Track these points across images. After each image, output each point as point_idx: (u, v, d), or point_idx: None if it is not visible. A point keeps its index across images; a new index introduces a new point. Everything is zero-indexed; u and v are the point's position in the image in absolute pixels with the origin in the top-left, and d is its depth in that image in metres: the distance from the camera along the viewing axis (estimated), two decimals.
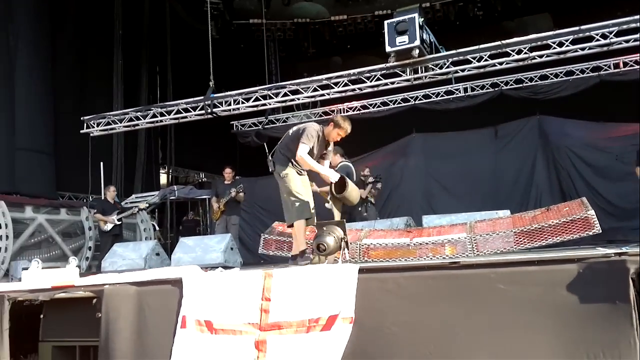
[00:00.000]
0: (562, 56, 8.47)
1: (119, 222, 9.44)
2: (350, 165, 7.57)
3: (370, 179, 8.55)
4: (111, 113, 10.97)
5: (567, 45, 8.16)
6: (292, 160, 5.14)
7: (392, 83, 9.28)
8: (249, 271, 4.37)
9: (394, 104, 12.11)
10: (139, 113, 10.76)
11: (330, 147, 5.39)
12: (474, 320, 3.28)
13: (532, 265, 3.28)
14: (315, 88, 9.62)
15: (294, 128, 5.31)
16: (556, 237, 4.96)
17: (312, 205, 5.18)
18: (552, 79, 10.93)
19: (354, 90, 9.52)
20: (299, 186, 5.13)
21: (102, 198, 9.94)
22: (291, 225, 5.23)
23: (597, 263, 3.10)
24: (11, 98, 10.04)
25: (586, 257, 3.16)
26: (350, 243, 5.15)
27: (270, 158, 5.31)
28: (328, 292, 3.58)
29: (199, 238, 8.82)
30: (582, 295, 3.05)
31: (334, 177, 5.17)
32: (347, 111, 12.44)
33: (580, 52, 8.37)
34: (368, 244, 5.61)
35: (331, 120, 5.25)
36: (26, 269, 5.99)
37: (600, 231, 4.87)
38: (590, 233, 4.89)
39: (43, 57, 10.89)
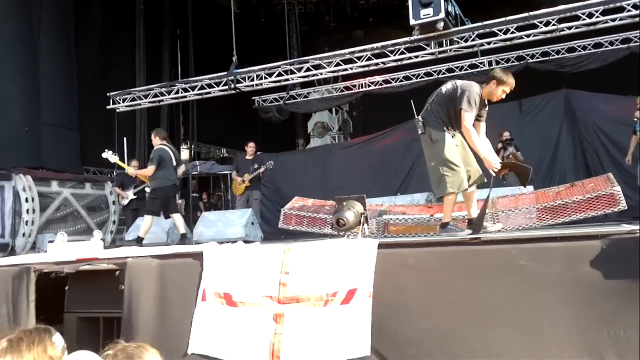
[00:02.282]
0: (591, 27, 8.22)
1: (134, 197, 9.50)
2: (167, 149, 7.25)
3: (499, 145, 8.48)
4: (136, 89, 11.06)
5: (597, 17, 7.92)
6: (447, 125, 4.59)
7: (416, 57, 9.13)
8: (268, 245, 4.40)
9: (416, 78, 11.95)
10: (163, 89, 10.83)
11: (486, 109, 4.75)
12: (495, 296, 3.25)
13: (554, 242, 3.22)
14: (338, 63, 9.53)
15: (448, 86, 4.69)
16: (580, 213, 4.88)
17: (467, 174, 4.57)
18: (579, 51, 10.64)
19: (377, 64, 9.40)
20: (454, 154, 4.53)
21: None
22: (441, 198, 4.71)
23: (621, 239, 3.03)
24: (35, 74, 10.14)
25: (610, 233, 3.09)
26: (370, 218, 5.14)
27: (419, 118, 4.71)
28: (347, 266, 3.58)
29: (221, 212, 8.93)
30: (605, 272, 2.99)
31: (495, 163, 4.51)
32: (369, 86, 12.32)
33: (611, 24, 8.11)
34: (388, 219, 5.59)
35: (491, 77, 4.60)
36: (52, 241, 6.13)
37: (626, 207, 4.77)
38: (616, 210, 4.80)
39: (66, 32, 10.95)
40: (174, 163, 7.28)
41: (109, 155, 7.45)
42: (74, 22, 11.16)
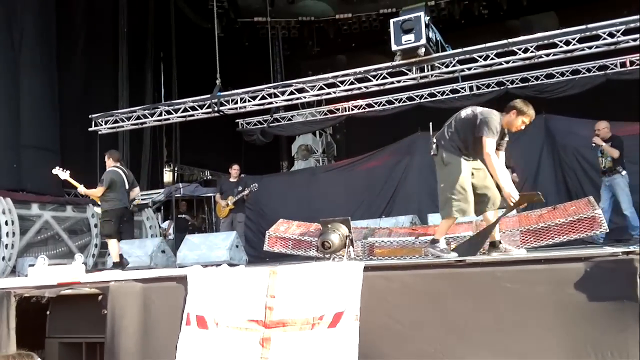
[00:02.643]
0: (568, 55, 8.44)
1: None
2: (119, 171, 7.26)
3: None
4: (119, 111, 11.01)
5: (574, 44, 8.14)
6: (462, 150, 4.57)
7: (398, 82, 9.27)
8: (254, 268, 4.37)
9: (399, 102, 12.10)
10: (146, 111, 10.80)
11: (507, 139, 4.70)
12: (480, 319, 3.27)
13: (539, 264, 3.26)
14: (321, 86, 9.62)
15: (467, 111, 4.68)
16: (563, 235, 4.95)
17: (487, 197, 4.57)
18: (558, 77, 10.89)
19: (359, 88, 9.52)
20: (465, 179, 4.49)
21: None
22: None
23: (604, 262, 3.08)
24: (16, 94, 10.03)
25: (593, 255, 3.14)
26: (355, 241, 5.15)
27: (433, 139, 4.74)
28: (333, 289, 3.57)
29: (205, 235, 8.87)
30: (589, 294, 3.03)
31: (514, 195, 4.44)
32: (352, 109, 12.43)
33: (587, 51, 8.34)
34: (373, 241, 5.61)
35: (511, 107, 4.58)
36: (32, 265, 6.03)
37: (608, 230, 4.85)
38: (598, 232, 4.88)
39: (48, 53, 10.88)
40: (126, 186, 7.23)
41: (59, 172, 7.37)
42: (56, 43, 11.11)
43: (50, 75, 10.89)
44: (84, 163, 10.73)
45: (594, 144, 7.71)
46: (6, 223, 8.43)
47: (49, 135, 10.62)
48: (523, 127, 4.59)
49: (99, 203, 7.33)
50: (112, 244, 7.15)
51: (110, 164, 7.33)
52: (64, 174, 7.37)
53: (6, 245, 8.32)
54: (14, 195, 8.98)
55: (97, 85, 12.13)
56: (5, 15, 10.06)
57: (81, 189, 7.34)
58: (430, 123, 9.41)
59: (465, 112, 4.68)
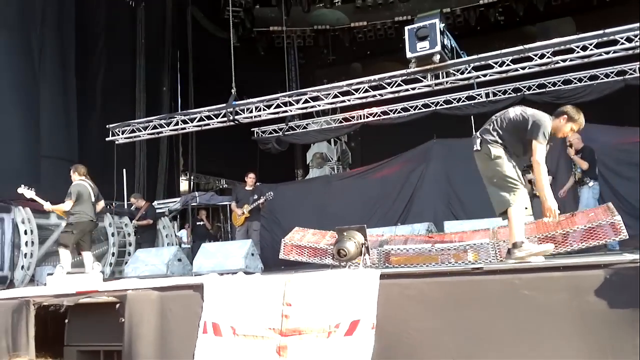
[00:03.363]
0: (586, 60, 8.37)
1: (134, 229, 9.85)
2: (86, 184, 7.23)
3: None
4: (136, 121, 11.14)
5: (591, 49, 8.07)
6: (507, 146, 4.41)
7: (413, 89, 9.27)
8: (269, 276, 4.38)
9: (414, 109, 12.08)
10: (162, 121, 10.91)
11: (551, 143, 4.50)
12: (498, 327, 3.23)
13: (558, 271, 3.22)
14: (335, 94, 9.64)
15: (517, 111, 4.50)
16: (582, 242, 4.87)
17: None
18: (575, 83, 10.80)
19: (374, 96, 9.52)
20: (514, 172, 4.35)
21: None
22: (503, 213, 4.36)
23: (624, 269, 3.03)
24: (35, 105, 10.20)
25: (613, 262, 3.09)
26: (371, 249, 5.13)
27: (477, 134, 4.58)
28: (349, 297, 3.56)
29: (220, 244, 8.90)
30: (609, 301, 2.99)
31: (555, 208, 4.31)
32: (367, 117, 12.43)
33: (605, 56, 8.26)
34: (389, 249, 5.57)
35: (562, 112, 4.45)
36: (51, 274, 6.10)
37: (627, 237, 4.77)
38: (617, 239, 4.80)
39: (67, 64, 11.06)
40: (93, 199, 7.25)
41: (24, 190, 7.34)
42: (75, 54, 11.29)
43: (69, 86, 11.06)
44: (102, 173, 10.86)
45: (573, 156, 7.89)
46: (25, 232, 8.53)
47: (67, 146, 10.77)
48: (570, 134, 4.53)
49: (65, 217, 7.32)
50: (66, 254, 7.09)
51: (77, 177, 7.34)
52: (29, 192, 7.35)
53: (25, 254, 8.41)
54: (33, 205, 9.06)
55: (115, 96, 12.30)
56: (26, 27, 10.24)
57: (47, 206, 7.30)
58: (446, 130, 9.38)
59: (514, 113, 4.50)
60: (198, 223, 12.37)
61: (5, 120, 9.58)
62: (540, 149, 4.27)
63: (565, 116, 4.44)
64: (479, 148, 4.48)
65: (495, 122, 4.54)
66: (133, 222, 10.05)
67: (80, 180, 7.32)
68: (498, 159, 4.37)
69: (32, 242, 8.61)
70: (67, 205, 7.10)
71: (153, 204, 11.25)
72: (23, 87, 10.05)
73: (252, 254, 7.77)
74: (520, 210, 4.31)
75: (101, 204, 7.59)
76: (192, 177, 14.44)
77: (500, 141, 4.42)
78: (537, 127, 4.28)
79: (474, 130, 10.83)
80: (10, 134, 9.60)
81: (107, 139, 10.90)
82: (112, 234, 10.12)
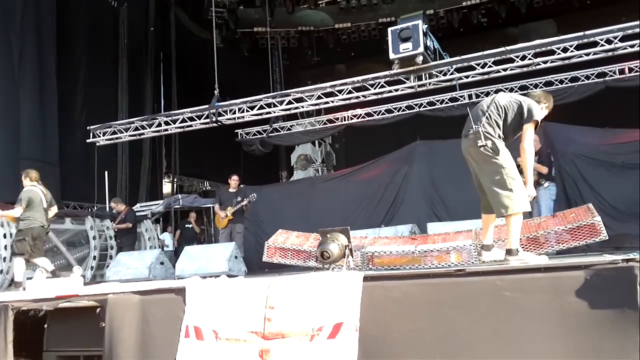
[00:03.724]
0: (566, 62, 8.45)
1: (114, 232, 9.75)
2: (37, 190, 7.15)
3: None
4: (117, 122, 11.02)
5: (572, 51, 8.15)
6: (506, 138, 4.25)
7: (396, 90, 9.29)
8: (252, 279, 4.35)
9: (398, 111, 12.10)
10: (144, 122, 10.80)
11: None
12: (480, 328, 3.24)
13: (539, 272, 3.24)
14: (319, 96, 9.63)
15: (505, 97, 4.35)
16: (562, 243, 4.92)
17: None
18: (557, 85, 10.90)
19: (358, 97, 9.53)
20: (517, 171, 4.18)
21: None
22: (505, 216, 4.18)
23: (604, 270, 3.06)
24: (16, 107, 10.06)
25: (593, 263, 3.12)
26: (355, 251, 5.13)
27: (475, 126, 4.22)
28: (332, 300, 3.55)
29: (203, 247, 8.84)
30: (589, 302, 3.02)
31: (533, 193, 4.25)
32: (351, 118, 12.44)
33: (585, 58, 8.35)
34: (372, 251, 5.58)
35: (539, 99, 4.36)
36: (30, 278, 6.00)
37: (607, 238, 4.83)
38: (597, 239, 4.86)
39: (48, 66, 10.92)
40: (44, 205, 7.15)
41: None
42: (56, 55, 11.15)
43: (50, 87, 10.92)
44: (83, 174, 10.75)
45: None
46: (4, 236, 8.38)
47: (48, 148, 10.64)
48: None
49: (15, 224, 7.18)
50: (21, 263, 6.95)
51: (28, 183, 7.21)
52: None
53: (4, 258, 8.27)
54: (13, 208, 8.94)
55: (97, 97, 12.17)
56: (4, 27, 10.10)
57: None
58: (429, 131, 9.41)
59: (504, 100, 4.30)
60: (187, 226, 12.25)
61: None
62: (531, 134, 4.17)
63: (545, 103, 4.40)
64: (483, 143, 4.12)
65: (491, 112, 4.25)
66: (112, 225, 9.94)
67: (31, 186, 7.18)
68: (502, 154, 4.14)
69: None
70: (17, 211, 6.96)
71: (134, 207, 11.15)
72: (2, 89, 9.91)
73: (236, 257, 7.72)
74: (520, 216, 4.15)
75: (54, 210, 7.43)
76: (175, 179, 14.34)
77: (502, 135, 4.22)
78: (533, 112, 4.17)
79: (457, 132, 10.94)
80: None
81: (87, 140, 10.77)
82: (94, 237, 10.00)
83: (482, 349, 3.21)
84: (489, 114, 4.26)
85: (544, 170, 7.71)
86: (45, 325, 4.39)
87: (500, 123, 4.23)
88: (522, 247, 4.99)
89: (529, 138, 4.16)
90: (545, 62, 8.41)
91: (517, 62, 8.40)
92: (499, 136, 4.20)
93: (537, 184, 7.69)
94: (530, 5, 13.76)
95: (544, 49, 8.28)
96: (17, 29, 10.28)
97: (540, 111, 4.24)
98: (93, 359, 4.19)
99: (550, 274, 3.20)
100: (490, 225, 4.53)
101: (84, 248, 9.96)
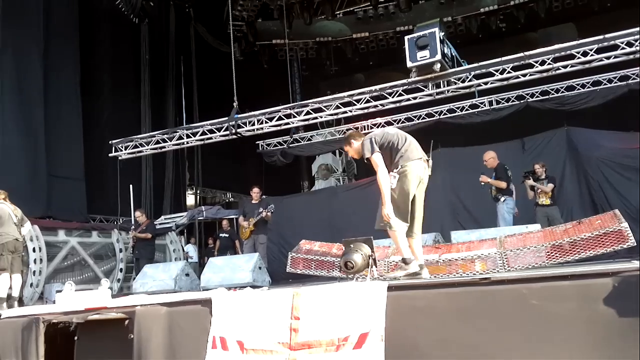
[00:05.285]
0: (587, 66, 8.36)
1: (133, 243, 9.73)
2: (5, 207, 7.11)
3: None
4: (138, 136, 11.19)
5: (592, 55, 8.06)
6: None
7: (415, 98, 9.27)
8: (277, 290, 4.37)
9: (418, 119, 12.09)
10: (165, 135, 10.95)
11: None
12: (507, 337, 3.22)
13: (566, 280, 3.20)
14: (337, 105, 9.66)
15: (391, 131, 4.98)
16: (589, 250, 4.86)
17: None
18: (578, 89, 10.79)
19: (376, 106, 9.54)
20: None
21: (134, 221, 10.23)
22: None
23: (633, 276, 3.02)
24: (42, 125, 10.30)
25: (621, 270, 3.08)
26: (378, 260, 5.12)
27: (426, 155, 4.99)
28: (357, 310, 3.55)
29: (228, 258, 8.90)
30: (618, 309, 2.97)
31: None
32: (372, 128, 12.45)
33: (606, 61, 8.25)
34: (396, 261, 5.57)
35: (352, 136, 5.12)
36: (60, 291, 6.11)
37: (635, 244, 4.75)
38: (625, 246, 4.78)
39: (72, 81, 11.18)
40: (14, 220, 7.11)
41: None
42: (79, 71, 11.40)
43: (74, 104, 11.18)
44: (109, 188, 10.94)
45: (482, 183, 8.24)
46: (34, 250, 8.58)
47: (74, 163, 10.87)
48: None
49: None
50: (5, 278, 6.93)
51: None
52: None
53: (34, 272, 8.45)
54: (42, 223, 9.15)
55: (120, 112, 12.42)
56: (30, 46, 10.36)
57: None
58: (450, 139, 9.35)
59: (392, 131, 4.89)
60: (222, 235, 12.28)
61: (10, 140, 9.69)
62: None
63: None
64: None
65: (398, 145, 4.81)
66: (132, 232, 9.95)
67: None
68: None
69: (41, 260, 8.66)
70: None
71: (158, 219, 11.29)
72: (28, 107, 10.15)
73: (260, 268, 7.76)
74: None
75: (27, 227, 7.43)
76: (198, 191, 14.48)
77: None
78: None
79: (478, 139, 10.87)
80: (16, 154, 9.70)
81: (110, 154, 10.95)
82: (120, 250, 10.16)
83: (509, 357, 3.18)
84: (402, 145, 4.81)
85: (503, 185, 7.97)
86: (76, 338, 4.46)
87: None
88: (547, 255, 4.95)
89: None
90: (565, 67, 8.33)
91: (537, 67, 8.33)
92: None
93: (495, 199, 8.12)
94: (549, 10, 13.66)
95: (563, 53, 8.20)
96: (41, 46, 10.53)
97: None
98: None
99: (578, 282, 3.16)
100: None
101: (111, 260, 10.13)
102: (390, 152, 4.76)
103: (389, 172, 4.71)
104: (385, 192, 4.67)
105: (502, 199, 7.99)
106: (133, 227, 10.05)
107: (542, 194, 8.46)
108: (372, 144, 4.75)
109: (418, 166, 4.78)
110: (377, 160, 4.71)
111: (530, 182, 8.53)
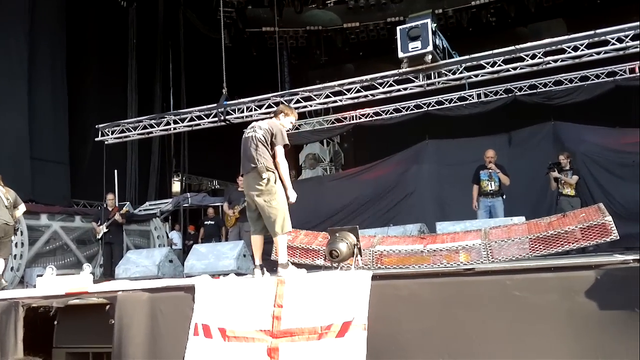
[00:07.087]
0: (577, 61, 8.38)
1: (106, 230, 9.27)
2: None
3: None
4: (125, 121, 11.05)
5: (582, 50, 8.08)
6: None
7: (405, 89, 9.24)
8: (261, 278, 4.35)
9: (406, 110, 12.06)
10: (152, 121, 10.83)
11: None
12: (490, 328, 3.23)
13: (549, 272, 3.22)
14: (327, 95, 9.61)
15: (262, 125, 5.15)
16: (573, 243, 4.89)
17: None
18: (566, 84, 10.82)
19: (366, 96, 9.50)
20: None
21: (104, 206, 9.81)
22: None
23: (615, 269, 3.04)
24: (26, 108, 10.15)
25: (604, 263, 3.10)
26: (363, 250, 5.12)
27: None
28: (341, 298, 3.55)
29: (212, 245, 8.86)
30: (599, 302, 3.00)
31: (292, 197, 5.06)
32: (360, 118, 12.43)
33: (596, 57, 8.28)
34: (381, 250, 5.57)
35: (280, 110, 5.29)
36: (41, 275, 6.05)
37: (618, 237, 4.79)
38: (608, 239, 4.82)
39: (58, 66, 11.02)
40: (5, 203, 6.94)
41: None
42: (65, 54, 11.23)
43: (61, 88, 11.01)
44: (93, 173, 10.81)
45: (490, 170, 8.22)
46: (15, 233, 8.46)
47: (58, 147, 10.74)
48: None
49: None
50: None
51: None
52: None
53: (15, 255, 8.35)
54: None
55: (106, 97, 12.28)
56: (15, 28, 10.18)
57: None
58: (438, 130, 9.38)
59: (261, 130, 5.03)
60: (207, 222, 12.16)
61: None
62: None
63: (283, 113, 5.12)
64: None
65: (261, 141, 4.95)
66: (117, 217, 9.48)
67: None
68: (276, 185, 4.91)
69: (22, 243, 8.56)
70: None
71: (143, 205, 11.15)
72: (12, 89, 9.98)
73: (244, 255, 7.73)
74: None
75: (22, 208, 7.23)
76: (184, 178, 14.38)
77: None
78: (281, 133, 4.89)
79: (466, 132, 10.91)
80: (0, 137, 9.54)
81: (96, 139, 10.81)
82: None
83: (491, 348, 3.19)
84: (256, 149, 5.01)
85: (507, 181, 8.10)
86: (55, 322, 4.42)
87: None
88: (531, 247, 4.98)
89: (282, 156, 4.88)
90: (555, 61, 8.35)
91: (527, 61, 8.33)
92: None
93: (498, 195, 8.17)
94: (539, 5, 13.67)
95: (554, 47, 8.22)
96: (27, 29, 10.35)
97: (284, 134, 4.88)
98: (102, 356, 4.22)
99: (560, 274, 3.18)
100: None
101: (94, 246, 10.04)
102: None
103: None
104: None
105: (504, 196, 8.02)
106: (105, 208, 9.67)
107: (566, 185, 8.44)
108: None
109: None
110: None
111: (555, 173, 8.52)
